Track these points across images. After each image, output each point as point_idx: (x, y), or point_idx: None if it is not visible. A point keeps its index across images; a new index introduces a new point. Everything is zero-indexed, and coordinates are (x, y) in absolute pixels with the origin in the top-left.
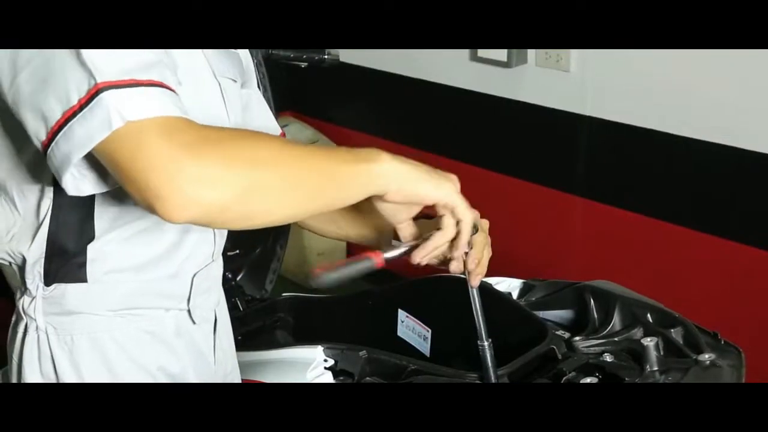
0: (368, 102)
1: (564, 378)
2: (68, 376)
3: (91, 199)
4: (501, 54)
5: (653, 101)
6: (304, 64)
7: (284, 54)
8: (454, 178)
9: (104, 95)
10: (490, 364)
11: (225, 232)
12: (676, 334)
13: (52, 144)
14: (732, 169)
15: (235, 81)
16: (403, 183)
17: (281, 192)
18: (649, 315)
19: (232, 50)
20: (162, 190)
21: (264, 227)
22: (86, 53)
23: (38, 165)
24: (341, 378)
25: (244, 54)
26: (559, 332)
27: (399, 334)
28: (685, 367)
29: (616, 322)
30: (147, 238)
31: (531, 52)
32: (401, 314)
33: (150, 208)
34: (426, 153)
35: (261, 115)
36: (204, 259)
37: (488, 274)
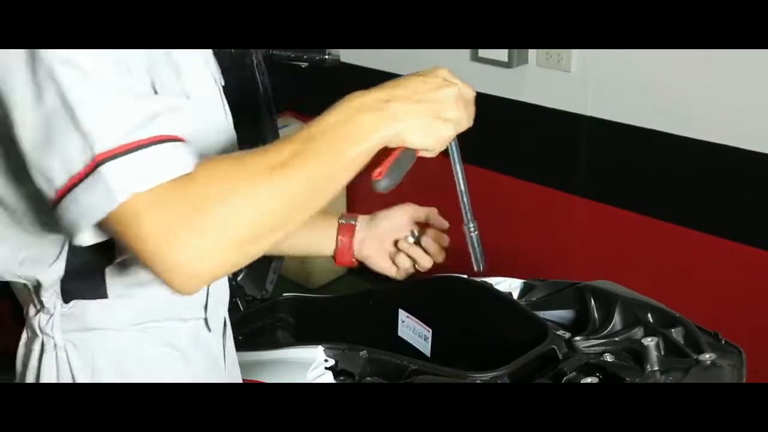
0: None
1: (564, 378)
2: None
3: None
4: (502, 54)
5: (654, 101)
6: (304, 64)
7: (284, 54)
8: (449, 95)
9: (103, 169)
10: (477, 248)
11: None
12: (676, 334)
13: (60, 206)
14: (732, 169)
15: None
16: (407, 140)
17: (288, 220)
18: (649, 315)
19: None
20: (167, 272)
21: None
22: (82, 117)
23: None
24: (342, 378)
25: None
26: (560, 332)
27: (399, 334)
28: (685, 367)
29: (616, 322)
30: None
31: (532, 52)
32: (402, 314)
33: (160, 280)
34: None
35: None
36: None
37: (489, 273)
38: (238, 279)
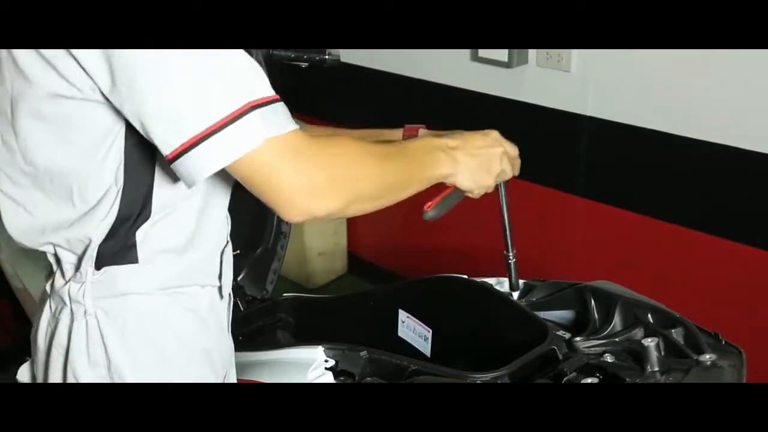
0: (368, 102)
1: (565, 378)
2: (119, 359)
3: (151, 178)
4: (502, 54)
5: (653, 101)
6: (304, 65)
7: (285, 54)
8: (496, 154)
9: (252, 114)
10: (513, 274)
11: (229, 218)
12: (676, 334)
13: (186, 155)
14: (732, 169)
15: None
16: (458, 181)
17: (374, 198)
18: (649, 315)
19: None
20: (287, 203)
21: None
22: (233, 67)
23: (107, 158)
24: (342, 378)
25: None
26: (560, 332)
27: (399, 334)
28: (686, 368)
29: (616, 322)
30: (182, 220)
31: (532, 53)
32: (402, 314)
33: (273, 209)
34: None
35: None
36: (225, 237)
37: (488, 274)
38: (239, 279)
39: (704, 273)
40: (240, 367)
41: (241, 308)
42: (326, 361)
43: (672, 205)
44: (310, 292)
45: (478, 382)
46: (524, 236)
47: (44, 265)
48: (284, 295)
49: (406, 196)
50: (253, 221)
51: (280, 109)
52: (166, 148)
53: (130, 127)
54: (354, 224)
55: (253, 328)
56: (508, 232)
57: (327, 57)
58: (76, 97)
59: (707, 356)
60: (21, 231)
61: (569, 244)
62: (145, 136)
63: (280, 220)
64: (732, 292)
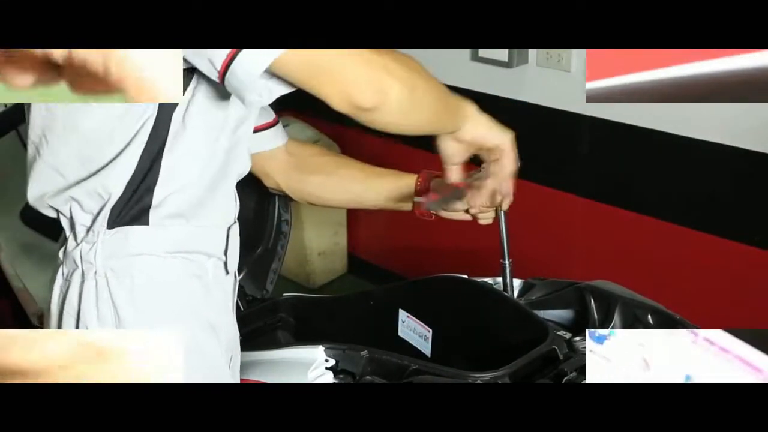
0: None
1: (565, 378)
2: (128, 318)
3: (162, 144)
4: (502, 54)
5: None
6: None
7: None
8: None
9: None
10: (508, 281)
11: (237, 199)
12: None
13: (235, 61)
14: (732, 169)
15: None
16: (477, 125)
17: (428, 102)
18: (649, 316)
19: None
20: (360, 83)
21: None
22: None
23: (140, 121)
24: (341, 377)
25: None
26: (561, 332)
27: (400, 334)
28: None
29: (616, 322)
30: (194, 188)
31: (532, 52)
32: (402, 314)
33: (344, 97)
34: (426, 152)
35: None
36: (233, 215)
37: (488, 273)
38: (239, 279)
39: (704, 273)
40: (240, 366)
41: (241, 308)
42: (326, 360)
43: (672, 205)
44: (310, 292)
45: (479, 382)
46: (524, 236)
47: (46, 264)
48: (284, 295)
49: (440, 126)
50: (253, 221)
51: None
52: (217, 63)
53: None
54: (354, 224)
55: (253, 328)
56: (505, 244)
57: None
58: None
59: None
60: (49, 194)
61: (569, 244)
62: (195, 65)
63: (280, 220)
64: (732, 292)
